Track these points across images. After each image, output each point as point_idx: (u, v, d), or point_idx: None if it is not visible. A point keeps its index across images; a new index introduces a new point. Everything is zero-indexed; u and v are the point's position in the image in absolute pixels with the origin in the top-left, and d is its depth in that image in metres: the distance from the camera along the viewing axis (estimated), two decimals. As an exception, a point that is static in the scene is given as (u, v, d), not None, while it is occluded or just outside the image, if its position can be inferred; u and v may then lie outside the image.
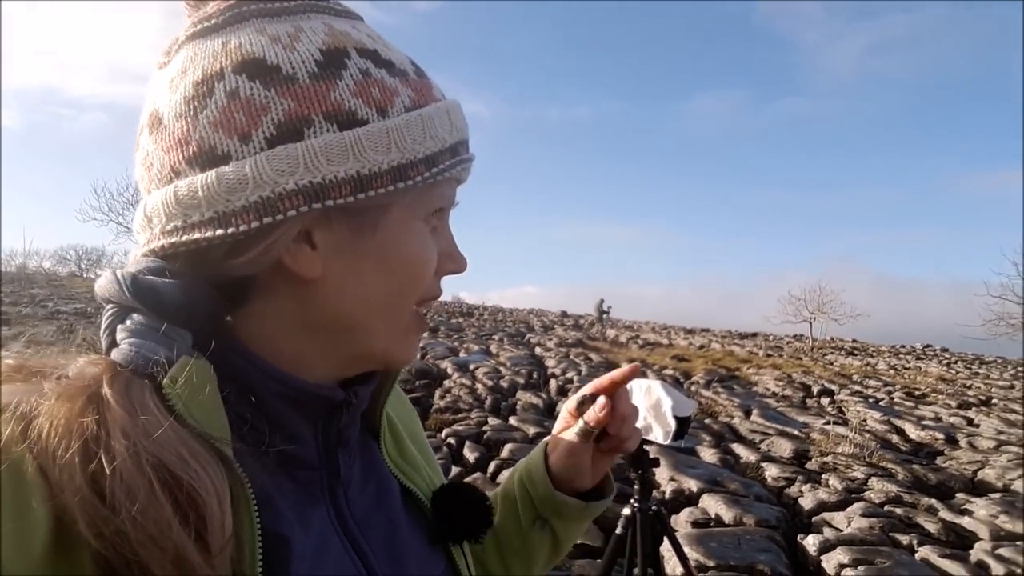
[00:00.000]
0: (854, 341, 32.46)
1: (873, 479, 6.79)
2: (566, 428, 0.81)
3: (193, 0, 0.57)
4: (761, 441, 8.44)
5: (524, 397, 10.25)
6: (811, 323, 29.63)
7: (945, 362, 23.81)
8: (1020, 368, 22.98)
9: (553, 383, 12.29)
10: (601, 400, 0.77)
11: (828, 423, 9.79)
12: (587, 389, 0.80)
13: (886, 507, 6.07)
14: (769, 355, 22.07)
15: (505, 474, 3.59)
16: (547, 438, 0.84)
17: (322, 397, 0.58)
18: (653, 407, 2.40)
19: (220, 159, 0.52)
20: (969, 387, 16.00)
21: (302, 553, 0.53)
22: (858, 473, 7.00)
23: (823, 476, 6.84)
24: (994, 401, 13.69)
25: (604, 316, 25.52)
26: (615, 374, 0.79)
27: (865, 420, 10.44)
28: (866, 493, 6.35)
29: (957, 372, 19.90)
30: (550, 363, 14.80)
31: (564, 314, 36.91)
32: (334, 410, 0.60)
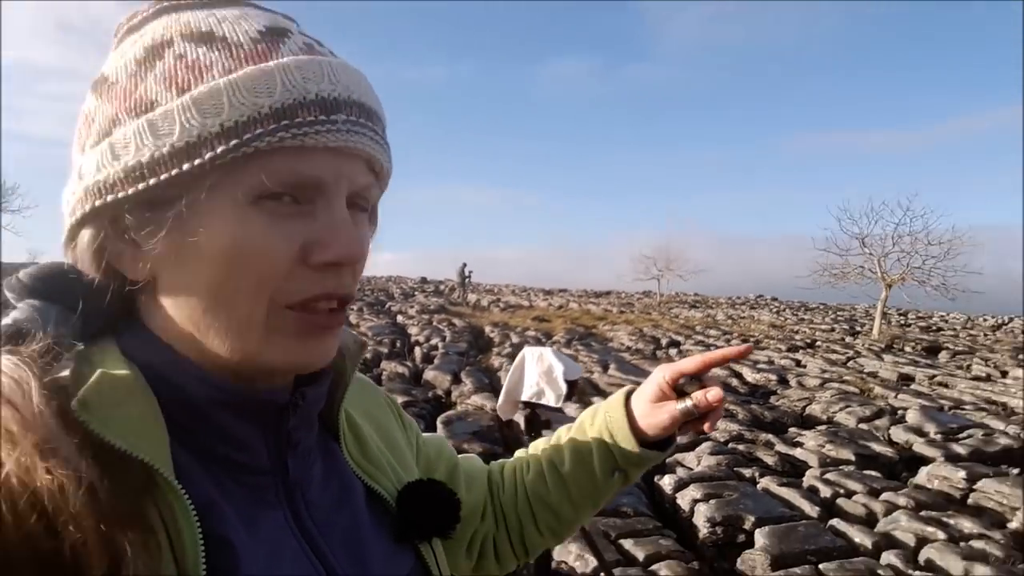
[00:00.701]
0: (696, 295, 34.78)
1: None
2: (662, 399, 0.83)
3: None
4: (618, 393, 8.92)
5: (389, 367, 10.19)
6: (659, 280, 31.36)
7: (775, 310, 26.05)
8: (840, 312, 25.60)
9: (418, 351, 12.29)
10: (717, 392, 0.80)
11: (677, 372, 10.48)
12: (691, 365, 0.81)
13: (730, 445, 6.64)
14: (622, 312, 23.19)
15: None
16: (620, 395, 0.87)
17: (263, 402, 0.57)
18: (545, 373, 2.54)
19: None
20: (796, 332, 17.63)
21: (252, 556, 0.52)
22: (705, 416, 7.58)
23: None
24: (818, 343, 15.19)
25: (466, 281, 25.65)
26: (729, 352, 0.81)
27: (709, 367, 11.25)
28: (712, 433, 6.89)
29: (786, 319, 21.85)
30: (413, 331, 14.77)
31: (424, 280, 36.69)
32: (282, 413, 0.58)
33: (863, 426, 7.48)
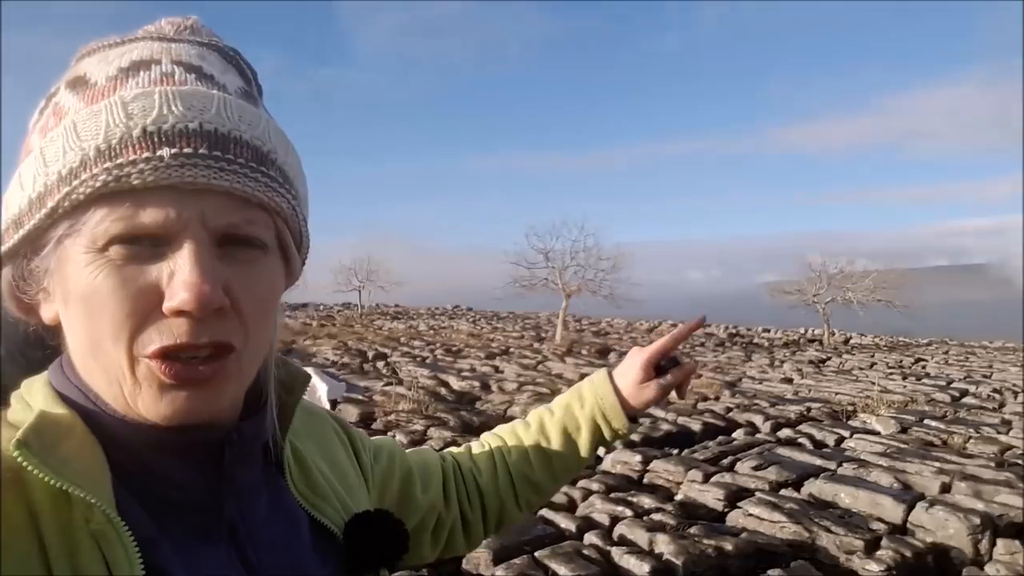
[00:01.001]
0: (397, 306, 35.46)
1: (431, 429, 7.66)
2: (645, 380, 0.96)
3: None
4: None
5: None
6: (360, 291, 31.36)
7: (472, 320, 27.65)
8: (528, 320, 27.99)
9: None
10: (692, 365, 0.97)
11: (387, 384, 10.65)
12: (667, 346, 0.96)
13: (444, 450, 6.93)
14: (323, 325, 22.77)
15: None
16: (604, 379, 0.98)
17: (195, 441, 0.56)
18: (308, 393, 2.49)
19: None
20: (492, 340, 18.93)
21: None
22: (418, 426, 7.82)
23: (388, 433, 7.46)
24: (511, 350, 16.48)
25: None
26: (684, 330, 0.98)
27: (416, 378, 11.62)
28: (428, 442, 7.14)
29: (482, 328, 23.33)
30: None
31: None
32: (219, 450, 0.57)
33: (557, 423, 8.31)
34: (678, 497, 5.69)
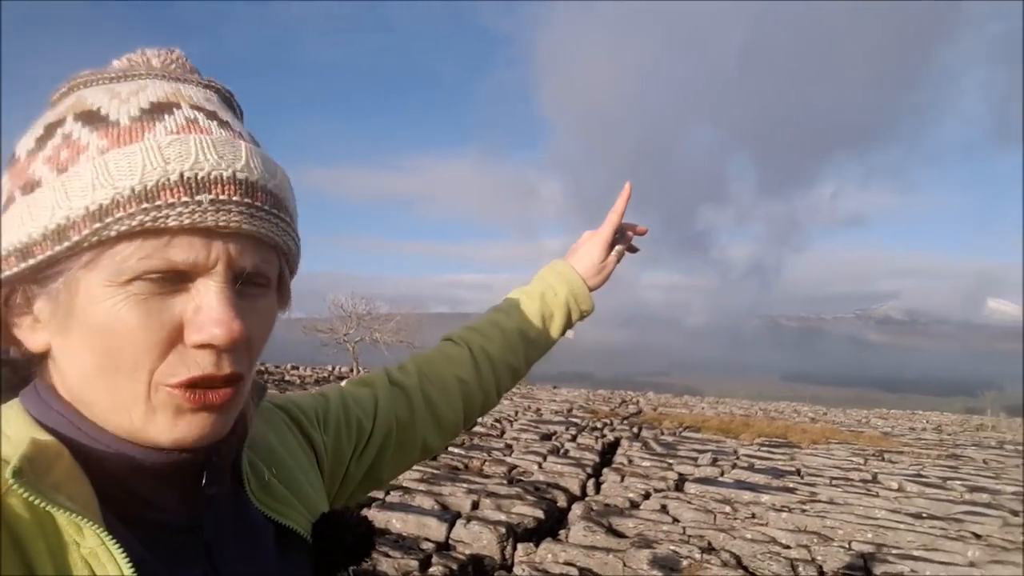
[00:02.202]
0: None
1: None
2: (604, 259, 1.11)
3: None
4: None
5: None
6: None
7: None
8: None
9: None
10: (643, 227, 1.14)
11: None
12: (613, 226, 1.10)
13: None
14: None
15: None
16: (569, 268, 1.10)
17: (175, 463, 0.57)
18: None
19: None
20: None
21: None
22: None
23: None
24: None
25: None
26: (622, 202, 1.09)
27: None
28: None
29: None
30: None
31: None
32: (199, 471, 0.60)
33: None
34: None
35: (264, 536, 0.67)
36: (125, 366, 0.53)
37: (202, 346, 0.53)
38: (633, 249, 1.16)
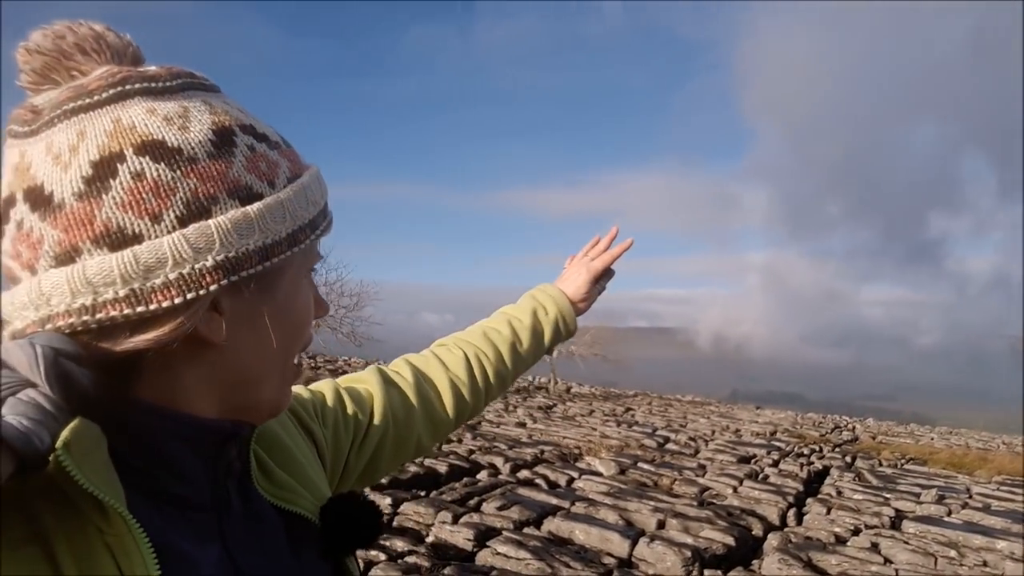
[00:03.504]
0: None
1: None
2: (592, 288, 1.23)
3: (34, 81, 0.57)
4: None
5: None
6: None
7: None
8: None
9: None
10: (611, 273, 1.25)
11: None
12: (605, 265, 1.23)
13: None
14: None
15: None
16: (559, 292, 1.20)
17: (213, 430, 0.60)
18: None
19: (132, 239, 0.53)
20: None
21: None
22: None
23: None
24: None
25: None
26: (619, 251, 1.23)
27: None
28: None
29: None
30: None
31: None
32: (224, 444, 0.62)
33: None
34: (429, 539, 5.72)
35: (273, 522, 0.69)
36: (301, 342, 0.66)
37: (316, 319, 0.68)
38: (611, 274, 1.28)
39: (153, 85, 0.57)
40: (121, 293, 0.52)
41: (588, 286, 1.22)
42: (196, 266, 0.53)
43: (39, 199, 0.53)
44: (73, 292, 0.52)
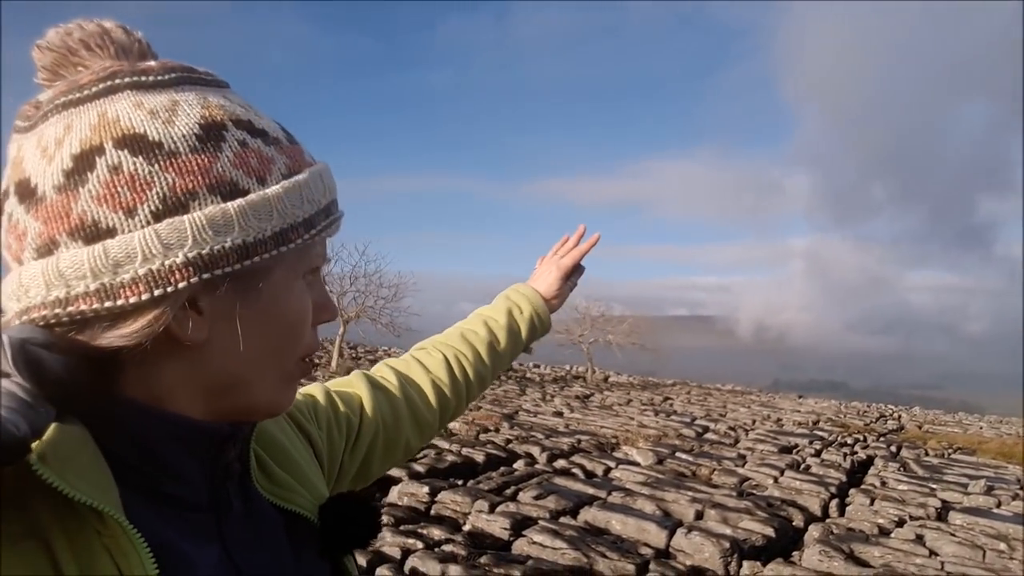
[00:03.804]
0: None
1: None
2: (564, 284, 1.25)
3: (46, 77, 0.57)
4: None
5: None
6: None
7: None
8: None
9: None
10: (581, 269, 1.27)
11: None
12: (575, 261, 1.25)
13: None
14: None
15: None
16: (532, 291, 1.23)
17: (208, 432, 0.60)
18: None
19: (105, 232, 0.52)
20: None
21: None
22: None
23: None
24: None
25: None
26: (587, 247, 1.25)
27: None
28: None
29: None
30: None
31: None
32: (221, 445, 0.61)
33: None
34: (466, 527, 5.76)
35: (272, 521, 0.69)
36: (295, 346, 0.63)
37: (321, 323, 0.66)
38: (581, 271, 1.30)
39: (144, 79, 0.55)
40: (91, 287, 0.51)
41: (559, 283, 1.25)
42: (166, 262, 0.52)
43: (25, 192, 0.53)
44: (47, 284, 0.52)
